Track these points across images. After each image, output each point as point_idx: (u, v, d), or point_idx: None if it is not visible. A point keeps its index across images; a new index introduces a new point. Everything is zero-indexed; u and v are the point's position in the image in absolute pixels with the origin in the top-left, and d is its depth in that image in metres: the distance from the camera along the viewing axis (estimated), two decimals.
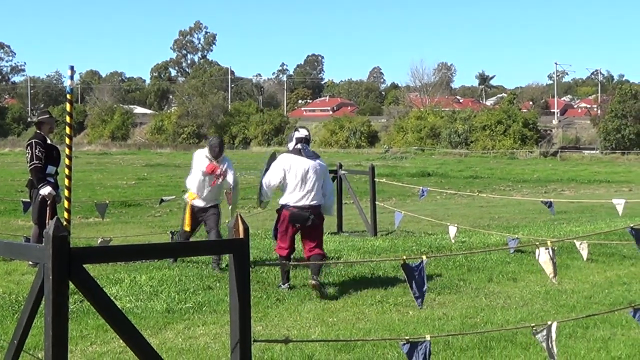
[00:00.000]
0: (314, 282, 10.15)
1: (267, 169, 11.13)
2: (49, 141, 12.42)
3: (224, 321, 8.51)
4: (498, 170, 55.45)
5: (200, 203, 12.44)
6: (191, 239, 12.46)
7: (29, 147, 12.26)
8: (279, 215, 10.78)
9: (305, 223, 10.60)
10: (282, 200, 10.74)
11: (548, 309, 9.37)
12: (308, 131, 11.29)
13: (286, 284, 10.51)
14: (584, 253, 11.54)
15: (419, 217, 18.95)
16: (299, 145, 10.86)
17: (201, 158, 12.46)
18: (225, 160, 12.62)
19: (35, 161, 12.13)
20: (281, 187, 10.81)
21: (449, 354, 7.33)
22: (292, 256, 10.92)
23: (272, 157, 11.35)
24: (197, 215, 12.50)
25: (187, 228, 12.50)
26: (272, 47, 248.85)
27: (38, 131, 12.54)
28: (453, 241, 14.04)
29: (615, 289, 10.55)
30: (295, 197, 10.60)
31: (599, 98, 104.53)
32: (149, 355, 4.71)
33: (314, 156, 10.88)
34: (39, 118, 12.80)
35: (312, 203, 10.63)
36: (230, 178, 12.56)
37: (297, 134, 11.00)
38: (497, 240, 14.92)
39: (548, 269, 7.02)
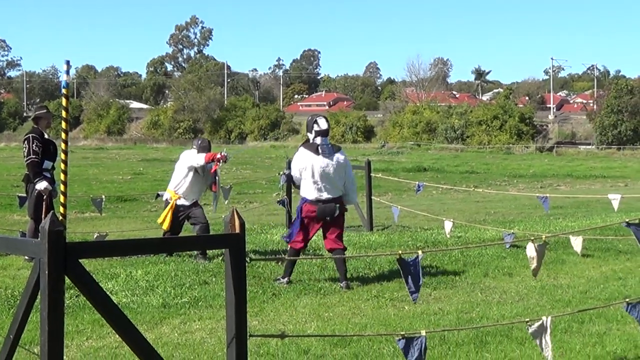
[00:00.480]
0: (346, 289, 10.21)
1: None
2: (46, 136, 12.41)
3: (220, 316, 8.51)
4: (494, 166, 55.52)
5: (184, 202, 12.80)
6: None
7: (26, 142, 12.23)
8: (301, 209, 10.76)
9: (333, 215, 10.66)
10: (302, 194, 10.82)
11: (544, 303, 9.38)
12: (327, 121, 11.04)
13: (286, 279, 10.49)
14: (578, 249, 11.58)
15: (415, 212, 18.96)
16: (317, 140, 10.75)
17: (192, 154, 12.80)
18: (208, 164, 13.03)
19: (32, 156, 12.11)
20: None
21: (444, 349, 7.33)
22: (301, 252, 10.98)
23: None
24: (181, 214, 12.81)
25: (166, 227, 12.74)
26: (268, 42, 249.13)
27: (35, 126, 12.52)
28: (449, 236, 14.06)
29: (611, 284, 10.57)
30: (314, 193, 10.61)
31: (595, 93, 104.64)
32: (144, 350, 4.71)
33: (332, 152, 10.78)
34: (37, 113, 12.77)
35: (333, 196, 10.68)
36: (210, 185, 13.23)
37: (315, 127, 10.76)
38: (493, 235, 14.94)
39: (533, 264, 7.02)
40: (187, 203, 12.77)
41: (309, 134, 10.90)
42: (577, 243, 11.68)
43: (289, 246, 10.85)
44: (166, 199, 12.99)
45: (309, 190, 10.64)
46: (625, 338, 7.65)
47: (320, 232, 10.92)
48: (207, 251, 12.20)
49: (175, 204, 12.73)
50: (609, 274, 11.41)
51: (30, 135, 12.25)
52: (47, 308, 4.23)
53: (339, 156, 10.81)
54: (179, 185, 12.80)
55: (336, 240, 10.76)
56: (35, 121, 12.59)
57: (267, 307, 9.20)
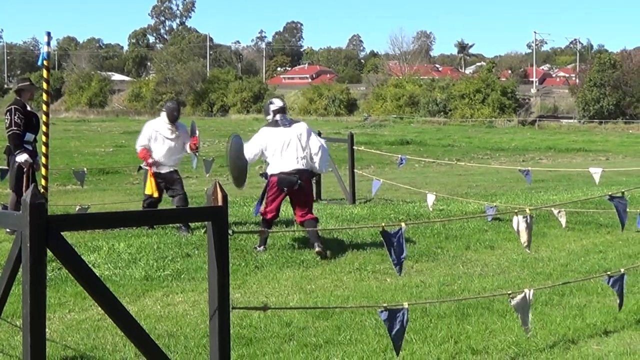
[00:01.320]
0: (319, 249, 10.33)
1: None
2: (28, 108, 12.33)
3: (202, 288, 8.52)
4: (476, 139, 55.60)
5: (160, 170, 12.60)
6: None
7: (8, 113, 12.16)
8: (268, 182, 10.98)
9: (293, 187, 10.75)
10: (268, 170, 10.98)
11: (525, 276, 9.44)
12: (283, 100, 11.60)
13: (262, 247, 10.72)
14: (563, 221, 11.63)
15: (397, 185, 18.98)
16: (277, 117, 11.03)
17: (147, 132, 12.64)
18: (181, 127, 12.81)
19: (13, 127, 12.04)
20: (263, 159, 11.19)
21: (426, 321, 7.38)
22: (274, 221, 11.23)
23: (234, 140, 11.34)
24: (160, 181, 12.64)
25: (156, 194, 12.59)
26: (251, 14, 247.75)
27: (18, 98, 12.45)
28: (431, 209, 14.09)
29: (591, 257, 10.63)
30: (278, 166, 10.78)
31: (578, 67, 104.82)
32: (127, 322, 4.72)
33: (291, 123, 11.07)
34: (19, 85, 12.71)
35: (297, 167, 10.77)
36: (187, 145, 12.84)
37: (272, 107, 11.17)
38: (475, 208, 14.98)
39: (523, 237, 7.08)
40: (163, 171, 12.59)
41: (268, 117, 11.23)
42: (561, 215, 11.73)
43: (262, 217, 11.09)
44: (144, 166, 12.85)
45: (272, 164, 10.87)
46: (605, 310, 7.71)
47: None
48: (190, 223, 12.18)
49: (153, 171, 12.56)
50: (589, 247, 11.49)
51: (13, 107, 12.17)
52: (29, 281, 4.22)
53: (297, 125, 11.06)
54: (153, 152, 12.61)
55: (303, 215, 10.92)
56: (18, 93, 12.51)
57: (249, 280, 9.21)
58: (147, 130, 12.69)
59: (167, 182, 12.66)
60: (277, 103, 11.26)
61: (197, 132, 12.99)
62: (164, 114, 12.72)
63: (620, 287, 7.16)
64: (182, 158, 13.32)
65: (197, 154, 13.24)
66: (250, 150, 10.98)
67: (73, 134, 50.92)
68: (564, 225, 11.77)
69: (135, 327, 4.76)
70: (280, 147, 10.78)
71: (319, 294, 8.60)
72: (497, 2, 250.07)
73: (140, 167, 16.70)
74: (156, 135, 12.57)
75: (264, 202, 11.17)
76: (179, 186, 12.67)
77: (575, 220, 13.54)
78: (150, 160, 12.45)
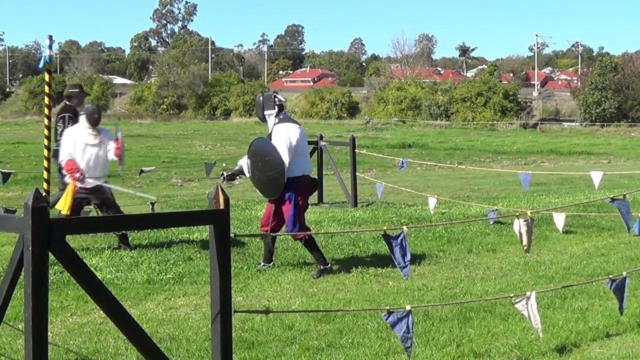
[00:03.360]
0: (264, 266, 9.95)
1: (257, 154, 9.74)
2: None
3: (204, 292, 8.53)
4: (478, 142, 55.56)
5: (86, 183, 11.08)
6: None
7: (61, 121, 12.64)
8: (298, 187, 9.70)
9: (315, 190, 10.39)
10: (298, 171, 9.70)
11: (527, 279, 9.43)
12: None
13: (322, 266, 9.70)
14: (560, 225, 11.64)
15: (399, 189, 18.98)
16: (281, 115, 9.90)
17: (67, 141, 11.16)
18: (104, 132, 11.36)
19: None
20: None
21: (428, 325, 7.37)
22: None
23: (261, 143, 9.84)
24: (81, 197, 11.15)
25: (67, 212, 10.89)
26: (252, 17, 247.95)
27: (68, 103, 12.88)
28: (433, 212, 14.08)
29: (594, 260, 10.63)
30: (307, 165, 9.89)
31: (579, 70, 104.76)
32: (129, 326, 4.71)
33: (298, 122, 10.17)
34: (70, 91, 13.27)
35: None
36: (110, 151, 11.31)
37: (277, 101, 9.92)
38: (477, 212, 14.98)
39: (523, 240, 7.08)
40: (88, 185, 11.07)
41: (269, 111, 9.89)
42: (559, 220, 11.75)
43: (303, 239, 9.75)
44: (66, 180, 11.32)
45: (301, 165, 9.76)
46: (608, 314, 7.71)
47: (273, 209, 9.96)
48: (192, 227, 12.09)
49: (75, 186, 11.03)
50: (591, 250, 11.48)
51: (66, 114, 12.60)
52: (31, 284, 4.22)
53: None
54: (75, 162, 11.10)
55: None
56: (68, 99, 13.00)
57: (251, 283, 9.21)
58: (66, 140, 11.16)
59: (96, 198, 11.22)
60: (281, 98, 10.06)
61: (120, 135, 11.41)
62: (83, 118, 11.24)
63: (622, 290, 7.16)
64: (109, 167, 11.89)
65: (121, 161, 11.56)
66: (288, 154, 9.54)
67: None
68: (560, 229, 11.79)
69: (137, 331, 4.76)
70: (304, 146, 9.94)
71: (321, 297, 8.59)
72: (499, 5, 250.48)
73: (142, 171, 16.71)
74: (75, 143, 11.05)
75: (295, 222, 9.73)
76: (110, 201, 11.28)
77: (577, 224, 13.55)
78: (77, 175, 10.90)
